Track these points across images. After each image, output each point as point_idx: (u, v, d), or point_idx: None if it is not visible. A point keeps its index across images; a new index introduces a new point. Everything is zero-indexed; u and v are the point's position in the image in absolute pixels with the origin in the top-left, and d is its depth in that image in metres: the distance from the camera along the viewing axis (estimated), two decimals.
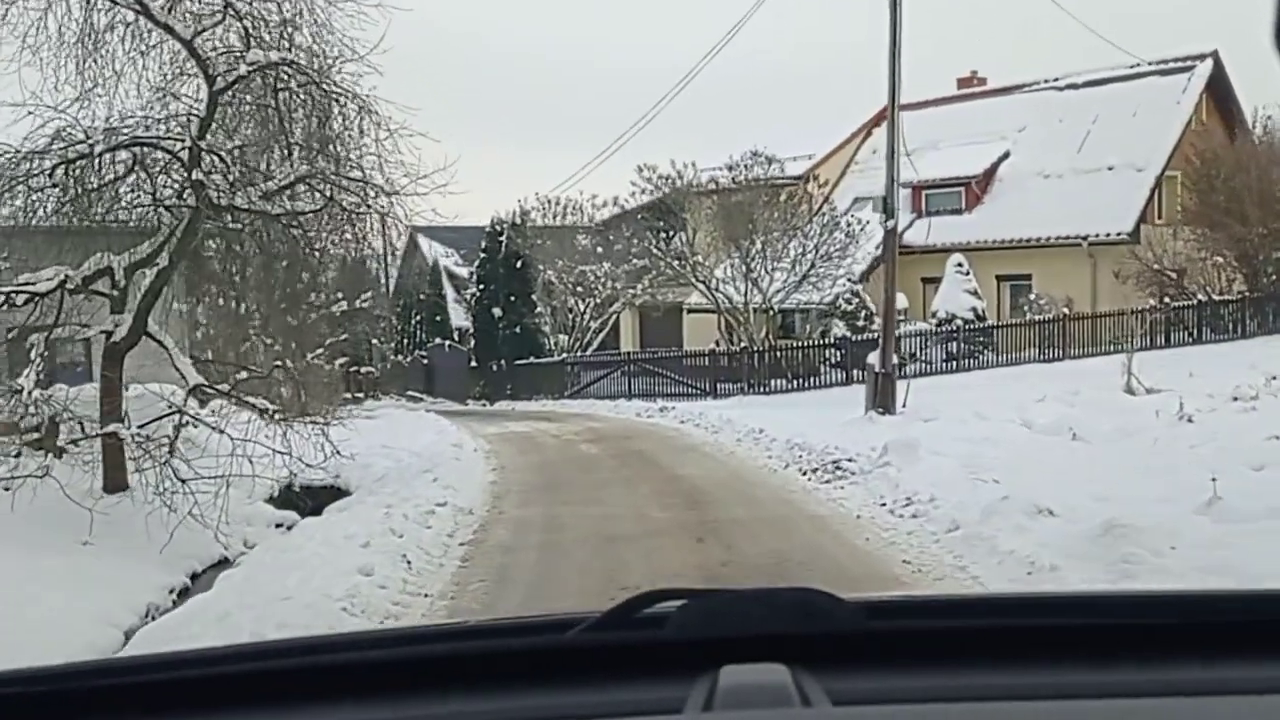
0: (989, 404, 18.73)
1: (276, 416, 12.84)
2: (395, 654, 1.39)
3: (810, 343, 25.43)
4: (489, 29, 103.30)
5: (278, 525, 14.09)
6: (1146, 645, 1.26)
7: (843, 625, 1.28)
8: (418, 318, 39.89)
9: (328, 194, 13.45)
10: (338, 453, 13.30)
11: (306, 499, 14.94)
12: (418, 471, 14.41)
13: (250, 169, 13.72)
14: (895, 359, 17.53)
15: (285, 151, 14.05)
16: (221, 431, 12.25)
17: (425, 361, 38.12)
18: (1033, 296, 27.83)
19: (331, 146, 14.16)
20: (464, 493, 12.54)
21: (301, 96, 13.76)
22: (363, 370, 45.38)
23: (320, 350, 23.66)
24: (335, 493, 15.64)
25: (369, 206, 14.17)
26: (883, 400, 17.10)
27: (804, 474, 13.09)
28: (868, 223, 26.12)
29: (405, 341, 41.16)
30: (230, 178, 12.18)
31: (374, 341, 46.18)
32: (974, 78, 36.48)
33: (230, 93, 13.35)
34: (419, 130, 13.21)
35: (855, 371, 25.10)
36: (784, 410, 20.51)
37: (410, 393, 38.84)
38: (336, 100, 13.18)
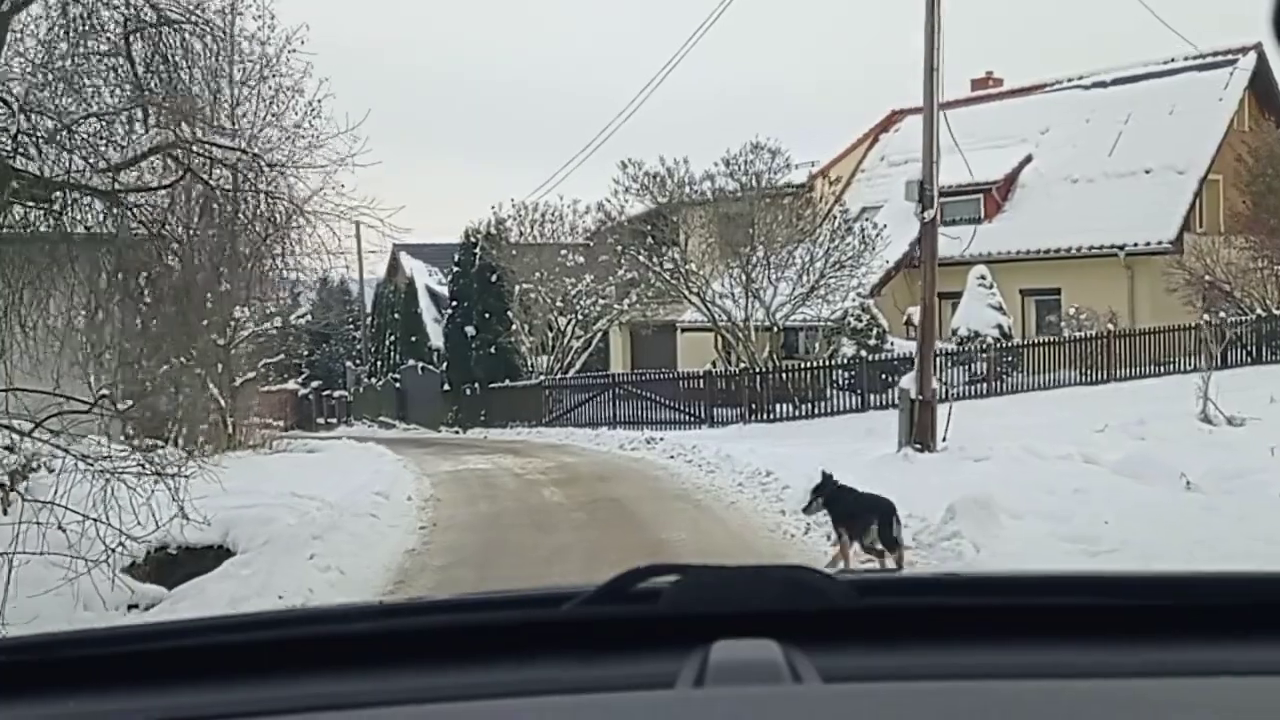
0: (1038, 435, 14.99)
1: (98, 467, 8.87)
2: (389, 625, 1.33)
3: (821, 363, 21.51)
4: (476, 51, 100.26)
5: (131, 607, 10.24)
6: (1141, 626, 1.21)
7: (835, 602, 1.24)
8: (392, 338, 35.99)
9: (186, 164, 9.59)
10: (184, 516, 9.32)
11: (165, 569, 11.22)
12: (315, 535, 10.52)
13: (94, 138, 9.92)
14: (935, 383, 13.64)
15: (142, 115, 10.24)
16: (6, 488, 8.35)
17: (398, 385, 34.15)
18: (1071, 311, 24.00)
19: (201, 109, 10.37)
20: (356, 573, 8.67)
21: (155, 41, 9.96)
22: (335, 394, 41.46)
23: (251, 374, 19.72)
24: (221, 554, 11.87)
25: (253, 184, 10.32)
26: (920, 433, 13.24)
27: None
28: (884, 227, 22.30)
29: (379, 364, 37.25)
30: (16, 129, 8.28)
31: (348, 364, 42.29)
32: (990, 78, 32.80)
33: (50, 26, 9.58)
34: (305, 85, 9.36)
35: (871, 396, 21.32)
36: (793, 443, 16.61)
37: (382, 418, 34.95)
38: (183, 33, 9.35)
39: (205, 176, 9.88)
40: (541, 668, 1.18)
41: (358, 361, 40.22)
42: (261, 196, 10.29)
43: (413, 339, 34.27)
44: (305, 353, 50.52)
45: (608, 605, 1.26)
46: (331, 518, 11.62)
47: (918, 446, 13.25)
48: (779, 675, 1.06)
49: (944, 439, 13.85)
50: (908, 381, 13.57)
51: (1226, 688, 1.07)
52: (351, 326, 44.35)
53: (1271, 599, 1.28)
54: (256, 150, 10.30)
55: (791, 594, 1.23)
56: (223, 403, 18.99)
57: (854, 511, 8.23)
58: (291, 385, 47.52)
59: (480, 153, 78.17)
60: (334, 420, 39.57)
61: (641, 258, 22.27)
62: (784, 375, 21.10)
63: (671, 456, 16.58)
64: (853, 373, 21.65)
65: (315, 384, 43.15)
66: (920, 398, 13.29)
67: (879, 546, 7.84)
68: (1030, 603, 1.30)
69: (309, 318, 20.54)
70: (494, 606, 1.42)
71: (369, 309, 40.67)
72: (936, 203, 13.30)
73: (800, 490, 11.68)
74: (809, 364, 21.82)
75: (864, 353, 21.44)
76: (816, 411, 20.95)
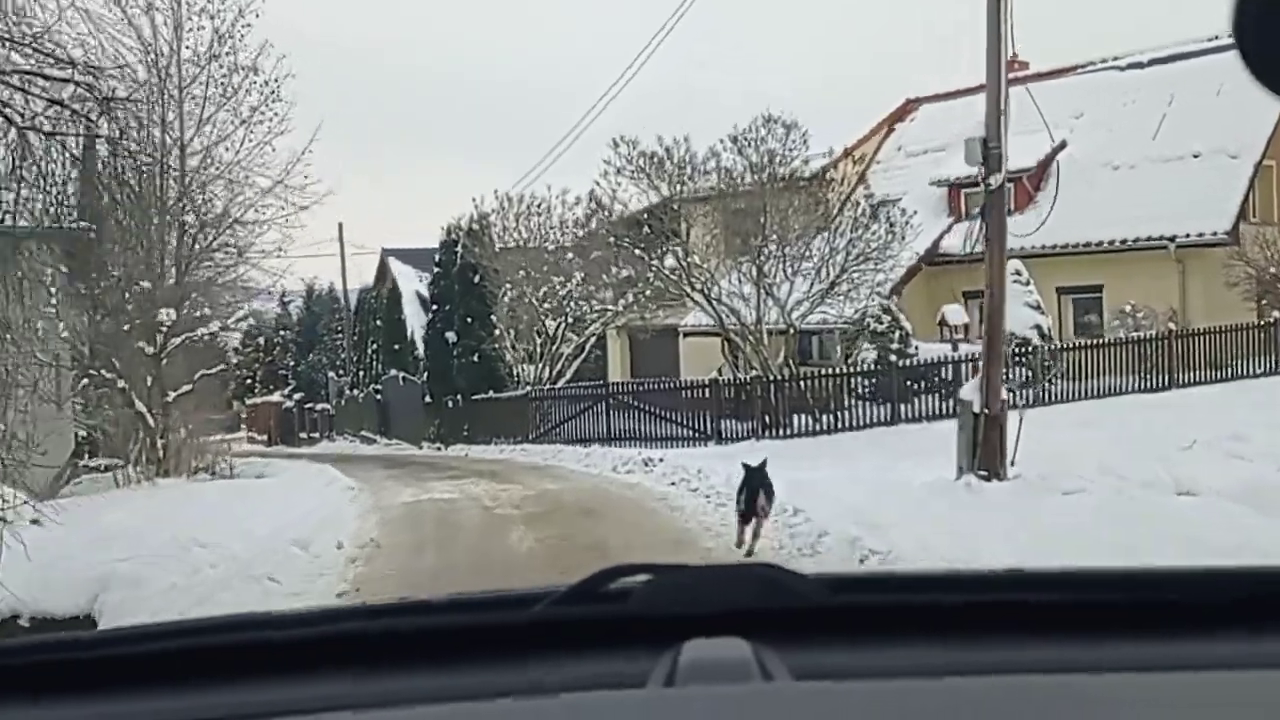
0: (1113, 453, 12.14)
1: None
2: (359, 628, 1.27)
3: (846, 370, 18.44)
4: (476, 51, 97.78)
5: None
6: (1112, 621, 1.18)
7: (806, 600, 1.22)
8: (374, 346, 32.97)
9: None
10: None
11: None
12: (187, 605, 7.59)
13: None
14: (1005, 392, 10.63)
15: None
16: None
17: (379, 397, 31.09)
18: (1128, 308, 21.06)
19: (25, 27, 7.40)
20: None
21: None
22: (317, 407, 38.46)
23: (188, 386, 16.72)
24: (86, 627, 8.98)
25: (89, 127, 7.33)
26: (987, 457, 10.25)
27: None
28: (914, 214, 19.34)
29: (361, 374, 34.23)
30: None
31: (331, 374, 39.26)
32: (1014, 62, 29.52)
33: None
34: None
35: (902, 407, 18.33)
36: (820, 464, 13.65)
37: (364, 433, 31.95)
38: None
39: (19, 114, 6.88)
40: (512, 669, 1.15)
41: (341, 372, 37.24)
42: (105, 143, 7.30)
43: (396, 347, 31.25)
44: (250, 361, 47.64)
45: (579, 606, 1.23)
46: (223, 578, 8.66)
47: (983, 473, 10.26)
48: (749, 674, 1.03)
49: (1012, 462, 10.88)
50: (969, 391, 10.58)
51: (1195, 682, 1.04)
52: (339, 335, 41.46)
53: (1239, 594, 1.24)
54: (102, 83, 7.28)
55: (763, 592, 1.20)
56: (152, 421, 16.01)
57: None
58: (276, 398, 44.64)
59: (480, 153, 75.45)
60: (316, 435, 36.60)
61: (638, 250, 19.24)
62: (802, 384, 18.06)
63: (673, 482, 13.59)
64: (875, 380, 18.68)
65: (298, 396, 40.24)
66: (986, 411, 10.28)
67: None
68: (1000, 599, 1.24)
69: (250, 321, 17.48)
70: (464, 608, 1.35)
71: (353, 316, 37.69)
72: (1005, 165, 10.34)
73: (843, 541, 8.71)
74: (831, 370, 18.77)
75: (893, 357, 18.47)
76: (839, 425, 17.95)
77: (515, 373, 23.94)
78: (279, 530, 10.78)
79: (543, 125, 79.82)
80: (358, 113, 76.44)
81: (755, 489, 8.52)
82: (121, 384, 15.66)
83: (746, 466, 8.85)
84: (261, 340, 49.06)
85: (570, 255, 22.89)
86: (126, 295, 15.15)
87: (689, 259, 18.32)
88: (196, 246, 17.41)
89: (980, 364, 17.91)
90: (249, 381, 49.67)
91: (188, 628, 1.32)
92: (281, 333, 48.42)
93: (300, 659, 1.16)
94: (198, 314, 15.99)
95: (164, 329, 15.88)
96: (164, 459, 16.05)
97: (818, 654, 1.11)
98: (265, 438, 41.98)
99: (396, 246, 39.08)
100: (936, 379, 18.57)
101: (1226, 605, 1.19)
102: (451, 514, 12.46)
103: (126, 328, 15.43)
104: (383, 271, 40.27)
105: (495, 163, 69.17)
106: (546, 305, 22.93)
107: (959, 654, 1.12)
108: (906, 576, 2.01)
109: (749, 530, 8.58)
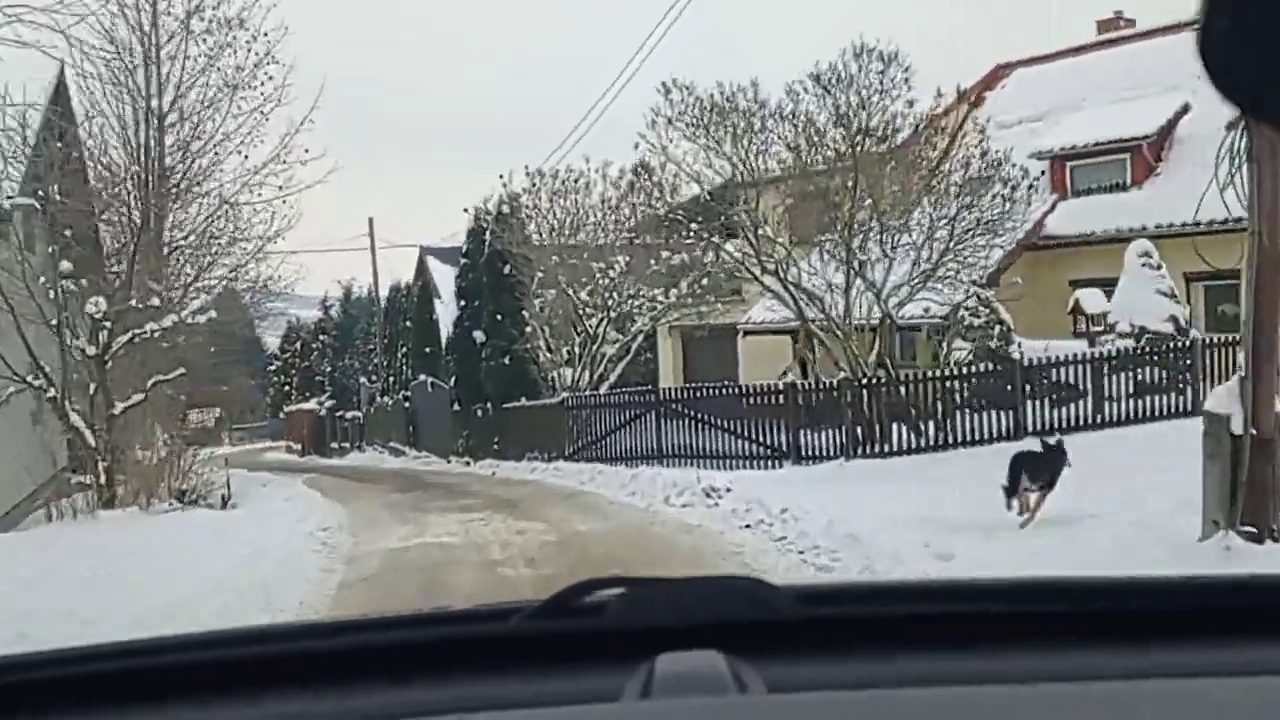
0: None
1: None
2: (332, 644, 1.24)
3: (959, 370, 14.43)
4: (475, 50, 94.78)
5: None
6: (1085, 630, 1.15)
7: (780, 612, 1.17)
8: (403, 349, 29.48)
9: None
10: None
11: None
12: None
13: None
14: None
15: None
16: None
17: (407, 404, 27.54)
18: None
19: None
20: None
21: None
22: (348, 415, 35.14)
23: (141, 395, 13.21)
24: None
25: None
26: (1254, 503, 6.34)
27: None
28: (1041, 175, 15.32)
29: (391, 379, 30.75)
30: None
31: (362, 380, 35.95)
32: (1119, 19, 25.72)
33: None
34: None
35: (1024, 415, 14.37)
36: (948, 496, 9.74)
37: (393, 443, 28.45)
38: None
39: None
40: (486, 683, 1.10)
41: (373, 378, 33.86)
42: None
43: (426, 350, 27.72)
44: (287, 367, 44.29)
45: (553, 620, 1.18)
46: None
47: (1249, 529, 6.33)
48: (724, 686, 1.00)
49: None
50: (1223, 401, 6.63)
51: (1168, 690, 1.03)
52: (373, 337, 38.27)
53: (1197, 604, 1.23)
54: None
55: (737, 605, 1.16)
56: (92, 439, 12.53)
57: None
58: (311, 405, 41.49)
59: (480, 153, 72.71)
60: (346, 444, 33.29)
61: (695, 226, 15.43)
62: (905, 388, 14.09)
63: (747, 525, 9.78)
64: (976, 383, 14.72)
65: (330, 404, 37.06)
66: (1253, 433, 6.35)
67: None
68: (978, 610, 1.22)
69: (213, 314, 14.00)
70: (438, 623, 1.33)
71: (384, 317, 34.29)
72: None
73: None
74: (940, 371, 14.70)
75: (1014, 354, 14.52)
76: (948, 439, 13.99)
77: (551, 377, 20.21)
78: (185, 601, 7.18)
79: (542, 125, 76.80)
80: (358, 113, 74.02)
81: (1019, 471, 8.62)
82: (51, 392, 12.23)
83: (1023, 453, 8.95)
84: (298, 345, 46.07)
85: (612, 237, 19.07)
86: (43, 280, 11.76)
87: (759, 232, 14.43)
88: (164, 229, 14.00)
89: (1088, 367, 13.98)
90: (286, 388, 46.68)
91: (155, 645, 1.25)
92: (320, 337, 45.46)
93: (267, 676, 1.11)
94: (140, 306, 12.52)
95: (105, 325, 12.42)
96: (108, 485, 12.57)
97: (793, 666, 1.09)
98: (300, 447, 38.95)
99: (435, 245, 35.97)
100: (1071, 383, 14.64)
101: (1198, 614, 1.17)
102: (443, 573, 8.76)
103: (54, 322, 12.02)
104: (421, 270, 37.05)
105: (495, 163, 66.29)
106: (586, 299, 19.16)
107: (936, 665, 1.10)
108: (882, 587, 1.83)
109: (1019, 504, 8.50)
